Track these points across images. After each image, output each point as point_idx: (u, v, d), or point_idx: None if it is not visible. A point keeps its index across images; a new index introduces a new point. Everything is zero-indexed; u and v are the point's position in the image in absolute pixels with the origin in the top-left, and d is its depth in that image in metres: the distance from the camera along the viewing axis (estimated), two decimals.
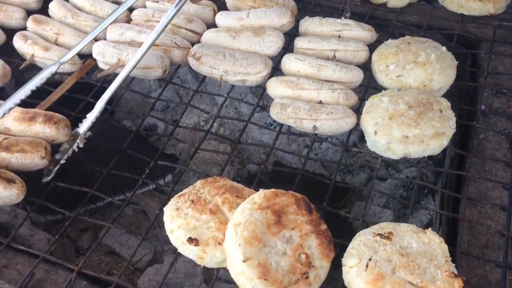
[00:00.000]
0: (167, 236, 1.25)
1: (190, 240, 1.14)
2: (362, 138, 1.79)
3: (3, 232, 1.59)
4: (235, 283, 1.32)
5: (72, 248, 1.74)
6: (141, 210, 1.89)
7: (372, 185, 1.40)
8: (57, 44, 1.73)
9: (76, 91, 1.66)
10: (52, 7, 1.81)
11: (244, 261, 1.04)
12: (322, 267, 1.08)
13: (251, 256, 1.05)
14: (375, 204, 1.76)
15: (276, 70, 1.67)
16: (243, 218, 1.09)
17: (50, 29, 1.74)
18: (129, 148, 1.50)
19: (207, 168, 2.01)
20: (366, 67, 1.66)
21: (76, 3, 1.85)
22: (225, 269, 1.51)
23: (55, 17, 1.81)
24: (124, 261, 1.62)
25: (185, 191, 1.27)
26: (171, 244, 1.64)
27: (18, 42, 1.71)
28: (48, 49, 1.67)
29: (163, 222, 1.31)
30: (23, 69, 1.68)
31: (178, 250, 1.20)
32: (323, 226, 1.14)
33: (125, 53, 1.62)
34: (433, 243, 1.12)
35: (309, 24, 1.73)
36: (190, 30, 1.74)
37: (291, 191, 1.17)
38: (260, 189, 1.17)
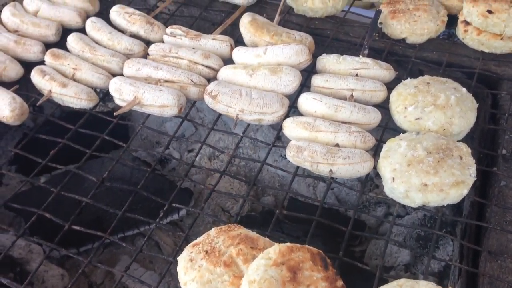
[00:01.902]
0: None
1: None
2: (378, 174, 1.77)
3: (17, 268, 1.60)
4: None
5: (85, 283, 1.74)
6: (154, 244, 1.89)
7: (389, 232, 1.37)
8: (74, 80, 1.73)
9: (91, 127, 1.67)
10: (70, 41, 1.82)
11: None
12: None
13: None
14: (392, 243, 1.73)
15: (292, 107, 1.66)
16: (258, 275, 1.07)
17: (68, 64, 1.74)
18: (143, 188, 1.49)
19: (221, 201, 2.00)
20: (383, 106, 1.63)
21: (94, 36, 1.86)
22: None
23: (73, 51, 1.82)
24: None
25: (199, 240, 1.25)
26: None
27: (36, 78, 1.72)
28: (65, 85, 1.68)
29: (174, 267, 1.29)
30: (40, 105, 1.69)
31: None
32: (339, 283, 1.11)
33: (141, 91, 1.62)
34: None
35: (326, 61, 1.71)
36: (206, 66, 1.73)
37: (306, 246, 1.15)
38: (276, 244, 1.15)
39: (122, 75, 1.74)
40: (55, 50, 1.79)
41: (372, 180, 1.92)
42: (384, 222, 1.82)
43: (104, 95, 1.89)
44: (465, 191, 1.33)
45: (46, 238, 1.43)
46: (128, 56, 1.81)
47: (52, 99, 1.71)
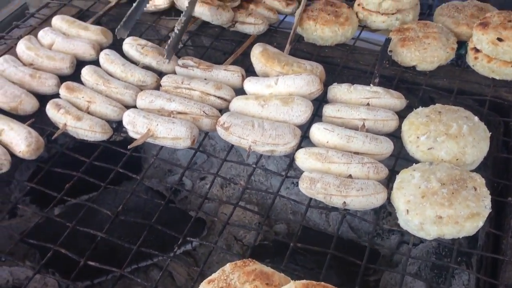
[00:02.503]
0: None
1: None
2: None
3: None
4: None
5: None
6: (168, 273, 1.89)
7: (404, 268, 1.36)
8: (88, 112, 1.75)
9: (105, 159, 1.68)
10: (84, 74, 1.85)
11: None
12: None
13: None
14: (407, 275, 1.72)
15: (304, 137, 1.67)
16: None
17: (82, 97, 1.77)
18: (157, 221, 1.50)
19: (233, 230, 2.00)
20: (395, 135, 1.64)
21: (108, 68, 1.89)
22: None
23: (87, 84, 1.84)
24: None
25: (214, 276, 1.25)
26: None
27: (51, 111, 1.74)
28: (80, 119, 1.70)
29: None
30: (50, 135, 1.70)
31: None
32: None
33: (155, 123, 1.64)
34: None
35: (337, 91, 1.72)
36: (219, 97, 1.75)
37: (323, 283, 1.15)
38: (291, 282, 1.15)
39: (135, 106, 1.76)
40: (69, 83, 1.82)
41: (385, 207, 1.91)
42: (399, 250, 1.81)
43: (118, 124, 1.91)
44: (480, 223, 1.32)
45: (61, 272, 1.43)
46: (141, 87, 1.83)
47: (67, 132, 1.73)
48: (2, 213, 1.82)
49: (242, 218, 1.98)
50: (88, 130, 1.69)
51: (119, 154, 1.68)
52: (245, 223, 1.96)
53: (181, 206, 2.03)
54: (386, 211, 1.94)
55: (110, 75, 1.88)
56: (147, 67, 1.92)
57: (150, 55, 1.92)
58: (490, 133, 1.54)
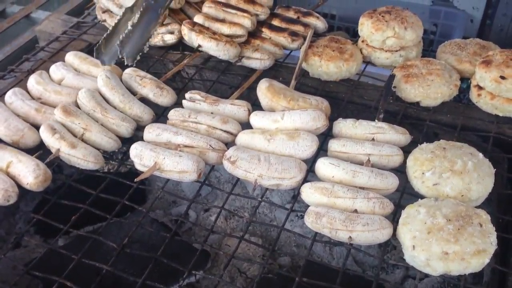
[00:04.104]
0: None
1: None
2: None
3: None
4: None
5: None
6: None
7: None
8: (83, 139, 1.77)
9: (111, 189, 1.69)
10: (82, 97, 1.86)
11: None
12: None
13: None
14: None
15: (310, 171, 1.68)
16: None
17: (79, 123, 1.78)
18: (162, 252, 1.51)
19: (237, 262, 2.00)
20: (400, 170, 1.65)
21: (105, 93, 1.91)
22: None
23: (83, 108, 1.85)
24: None
25: None
26: None
27: (45, 134, 1.75)
28: (74, 147, 1.71)
29: None
30: (49, 163, 1.71)
31: None
32: None
33: (161, 156, 1.66)
34: None
35: (342, 126, 1.74)
36: (225, 131, 1.77)
37: None
38: None
39: (130, 139, 1.78)
40: (66, 106, 1.82)
41: (390, 241, 1.91)
42: (404, 285, 1.80)
43: (123, 155, 1.93)
44: (486, 260, 1.32)
45: None
46: (137, 122, 1.87)
47: (60, 157, 1.74)
48: (6, 243, 1.82)
49: (246, 251, 1.98)
50: (81, 159, 1.71)
51: (124, 187, 1.69)
52: (249, 256, 1.95)
53: (185, 238, 2.03)
54: (391, 244, 1.94)
55: (107, 100, 1.90)
56: (144, 99, 1.95)
57: (147, 87, 1.95)
58: (495, 169, 1.55)
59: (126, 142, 1.85)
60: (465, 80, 2.00)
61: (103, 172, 2.07)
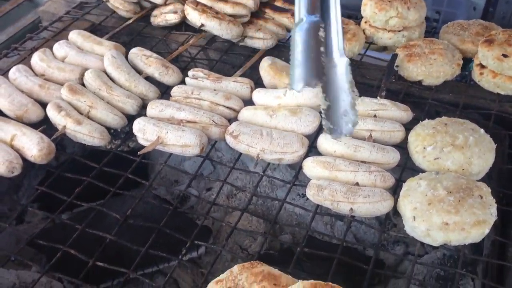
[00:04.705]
0: None
1: None
2: (396, 211, 1.78)
3: None
4: None
5: None
6: (173, 281, 1.89)
7: (411, 273, 1.37)
8: (88, 117, 1.78)
9: (114, 166, 1.71)
10: (88, 77, 1.88)
11: None
12: None
13: None
14: (411, 282, 1.72)
15: (312, 147, 1.69)
16: None
17: (84, 101, 1.80)
18: (165, 225, 1.52)
19: (239, 239, 2.01)
20: (402, 146, 1.66)
21: (111, 72, 1.92)
22: None
23: (89, 88, 1.87)
24: None
25: (222, 276, 1.26)
26: None
27: (51, 112, 1.76)
28: (80, 123, 1.73)
29: None
30: (55, 140, 1.72)
31: None
32: None
33: (164, 131, 1.67)
34: None
35: None
36: (228, 107, 1.78)
37: (330, 283, 1.16)
38: (299, 281, 1.16)
39: (135, 116, 1.79)
40: (72, 84, 1.84)
41: (390, 219, 1.92)
42: (404, 261, 1.82)
43: (126, 135, 1.94)
44: (486, 230, 1.34)
45: (68, 276, 1.44)
46: (142, 100, 1.87)
47: (66, 134, 1.76)
48: (10, 218, 1.84)
49: (248, 227, 1.99)
50: (87, 135, 1.72)
51: (127, 163, 1.70)
52: (251, 233, 1.97)
53: (189, 214, 2.04)
54: (391, 223, 1.95)
55: (113, 80, 1.91)
56: (149, 78, 1.96)
57: (153, 66, 1.96)
58: (496, 144, 1.56)
59: (132, 119, 1.86)
60: (467, 67, 2.01)
61: (107, 149, 2.09)
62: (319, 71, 1.08)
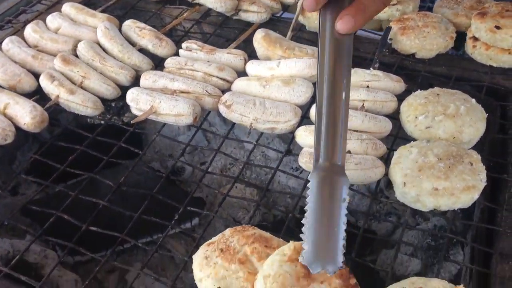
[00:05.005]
0: (193, 280, 1.25)
1: None
2: (389, 184, 1.79)
3: (32, 273, 1.62)
4: None
5: None
6: (167, 252, 1.91)
7: (401, 236, 1.39)
8: (82, 87, 1.78)
9: (108, 135, 1.71)
10: (81, 48, 1.87)
11: None
12: None
13: None
14: (402, 253, 1.74)
15: (305, 118, 1.70)
16: (273, 270, 1.09)
17: (77, 71, 1.80)
18: (158, 193, 1.53)
19: (233, 212, 2.03)
20: (394, 117, 1.67)
21: (104, 44, 1.92)
22: None
23: (82, 58, 1.87)
24: None
25: (214, 239, 1.28)
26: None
27: (44, 82, 1.76)
28: (73, 93, 1.73)
29: (188, 267, 1.31)
30: (48, 109, 1.72)
31: None
32: (353, 281, 1.13)
33: (158, 100, 1.67)
34: None
35: None
36: (221, 78, 1.78)
37: None
38: (290, 241, 1.17)
39: (129, 87, 1.79)
40: (65, 55, 1.84)
41: (382, 192, 1.94)
42: (395, 233, 1.83)
43: (118, 109, 1.94)
44: (476, 196, 1.35)
45: (62, 244, 1.46)
46: (136, 72, 1.87)
47: (60, 104, 1.76)
48: (4, 190, 1.84)
49: (241, 200, 2.00)
50: (80, 105, 1.72)
51: (121, 134, 1.71)
52: (244, 205, 1.98)
53: (182, 186, 2.05)
54: (383, 195, 1.96)
55: (106, 51, 1.90)
56: (143, 50, 1.96)
57: (146, 38, 1.96)
58: (487, 114, 1.57)
59: (125, 90, 1.86)
60: (461, 47, 2.01)
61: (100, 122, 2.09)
62: (340, 256, 1.02)
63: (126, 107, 1.79)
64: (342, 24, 1.06)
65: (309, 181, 1.09)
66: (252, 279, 1.14)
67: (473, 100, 1.60)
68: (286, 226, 1.43)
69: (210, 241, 1.27)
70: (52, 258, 1.69)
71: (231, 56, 1.86)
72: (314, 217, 1.04)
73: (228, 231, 1.29)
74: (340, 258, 1.02)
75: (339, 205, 1.03)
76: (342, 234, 1.03)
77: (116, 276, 1.79)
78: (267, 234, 1.27)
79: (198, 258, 1.23)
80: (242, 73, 1.85)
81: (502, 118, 1.72)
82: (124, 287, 1.74)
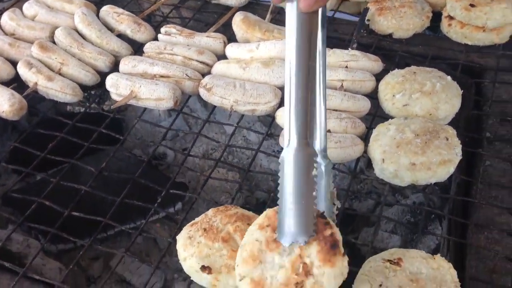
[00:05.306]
0: (177, 263, 1.27)
1: (204, 268, 1.16)
2: (369, 164, 1.82)
3: (16, 261, 1.62)
4: None
5: (83, 276, 1.76)
6: (151, 238, 1.91)
7: (380, 212, 1.42)
8: (60, 74, 1.77)
9: (88, 122, 1.71)
10: (58, 35, 1.86)
11: (240, 280, 1.06)
12: (323, 273, 1.04)
13: (246, 274, 1.05)
14: (383, 230, 1.77)
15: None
16: (244, 240, 1.10)
17: (55, 58, 1.79)
18: (140, 177, 1.54)
19: (216, 196, 2.04)
20: (372, 96, 1.69)
21: (82, 30, 1.91)
22: None
23: (60, 45, 1.86)
24: None
25: (197, 219, 1.29)
26: (181, 272, 1.65)
27: (22, 69, 1.76)
28: (51, 79, 1.72)
29: (172, 250, 1.32)
30: (26, 96, 1.71)
31: (191, 278, 1.22)
32: (328, 231, 1.08)
33: (137, 85, 1.67)
34: (442, 268, 1.13)
35: None
36: (201, 62, 1.79)
37: None
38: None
39: (108, 73, 1.78)
40: (43, 42, 1.83)
41: (363, 172, 1.97)
42: (376, 211, 1.87)
43: (98, 97, 1.94)
44: (451, 169, 1.39)
45: (44, 231, 1.45)
46: (115, 58, 1.86)
47: (38, 91, 1.75)
48: None
49: (223, 183, 2.02)
50: (59, 91, 1.72)
51: (101, 121, 1.70)
52: (227, 189, 2.00)
53: (164, 171, 2.06)
54: (363, 174, 1.99)
55: (84, 37, 1.89)
56: (122, 35, 1.95)
57: (125, 23, 1.96)
58: (462, 90, 1.61)
59: (105, 77, 1.85)
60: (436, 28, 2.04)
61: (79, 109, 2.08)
62: (310, 226, 1.04)
63: (106, 95, 1.79)
64: (304, 2, 1.07)
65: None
66: (235, 256, 1.15)
67: (449, 78, 1.63)
68: (268, 207, 1.44)
69: (193, 221, 1.29)
70: (35, 247, 1.68)
71: (210, 40, 1.87)
72: (285, 191, 1.06)
73: (211, 211, 1.30)
74: (311, 229, 1.04)
75: (310, 179, 1.05)
76: (312, 206, 1.04)
77: (100, 263, 1.79)
78: (249, 213, 1.29)
79: (181, 239, 1.25)
80: (221, 57, 1.86)
81: (477, 94, 1.76)
82: (108, 273, 1.75)
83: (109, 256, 1.81)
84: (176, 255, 1.27)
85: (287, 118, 1.07)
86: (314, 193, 1.05)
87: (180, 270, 1.47)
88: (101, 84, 1.82)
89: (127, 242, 1.84)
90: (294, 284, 1.02)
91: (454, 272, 1.13)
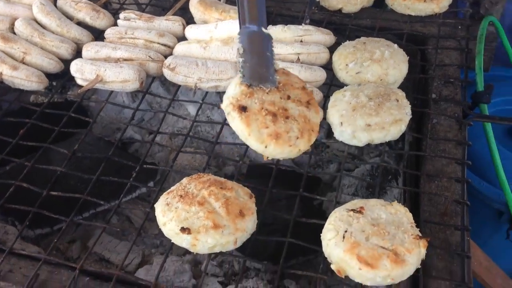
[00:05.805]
0: (153, 239, 1.33)
1: (183, 229, 1.24)
2: (329, 134, 1.94)
3: None
4: (221, 276, 1.43)
5: (62, 259, 1.81)
6: (126, 217, 1.97)
7: (340, 177, 1.55)
8: (24, 63, 1.80)
9: (56, 109, 1.75)
10: (19, 26, 1.89)
11: (228, 114, 1.29)
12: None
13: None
14: (345, 193, 1.90)
15: None
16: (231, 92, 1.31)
17: (18, 48, 1.82)
18: (113, 156, 1.60)
19: (186, 172, 2.11)
20: (327, 67, 1.81)
21: (42, 20, 1.94)
22: (213, 264, 1.62)
23: (21, 36, 1.88)
24: (115, 267, 1.70)
25: (172, 188, 1.37)
26: (158, 247, 1.73)
27: None
28: (16, 68, 1.75)
29: (148, 227, 1.37)
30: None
31: (172, 241, 1.29)
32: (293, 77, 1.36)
33: (102, 69, 1.73)
34: (399, 213, 1.26)
35: (273, 31, 1.86)
36: (162, 44, 1.86)
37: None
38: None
39: (71, 61, 1.82)
40: (4, 33, 1.85)
41: (324, 144, 2.08)
42: (337, 177, 1.99)
43: (61, 87, 1.97)
44: (403, 127, 1.52)
45: (21, 217, 1.49)
46: (77, 45, 1.91)
47: (3, 81, 1.78)
48: None
49: (191, 161, 2.10)
50: (25, 80, 1.75)
51: (68, 108, 1.74)
52: (196, 166, 2.07)
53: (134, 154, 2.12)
54: (324, 146, 2.11)
55: (44, 27, 1.92)
56: (81, 23, 1.99)
57: (83, 11, 1.99)
58: (408, 57, 1.74)
59: (68, 65, 1.88)
60: None
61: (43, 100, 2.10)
62: (273, 75, 1.29)
63: (69, 84, 1.81)
64: None
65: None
66: (212, 217, 1.25)
67: (396, 46, 1.76)
68: (236, 176, 1.54)
69: (169, 190, 1.37)
70: (13, 233, 1.72)
71: (169, 23, 1.93)
72: (246, 54, 1.29)
73: (185, 180, 1.39)
74: (275, 78, 1.29)
75: (266, 43, 1.30)
76: (271, 61, 1.29)
77: (78, 245, 1.84)
78: (221, 178, 1.39)
79: (159, 206, 1.33)
80: (181, 39, 1.93)
81: (422, 60, 1.91)
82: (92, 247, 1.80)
83: (86, 238, 1.86)
84: (152, 231, 1.33)
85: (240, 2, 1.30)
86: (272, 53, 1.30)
87: (157, 246, 1.56)
88: (65, 73, 1.86)
89: (107, 218, 1.90)
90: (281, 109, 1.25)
91: (410, 215, 1.26)
